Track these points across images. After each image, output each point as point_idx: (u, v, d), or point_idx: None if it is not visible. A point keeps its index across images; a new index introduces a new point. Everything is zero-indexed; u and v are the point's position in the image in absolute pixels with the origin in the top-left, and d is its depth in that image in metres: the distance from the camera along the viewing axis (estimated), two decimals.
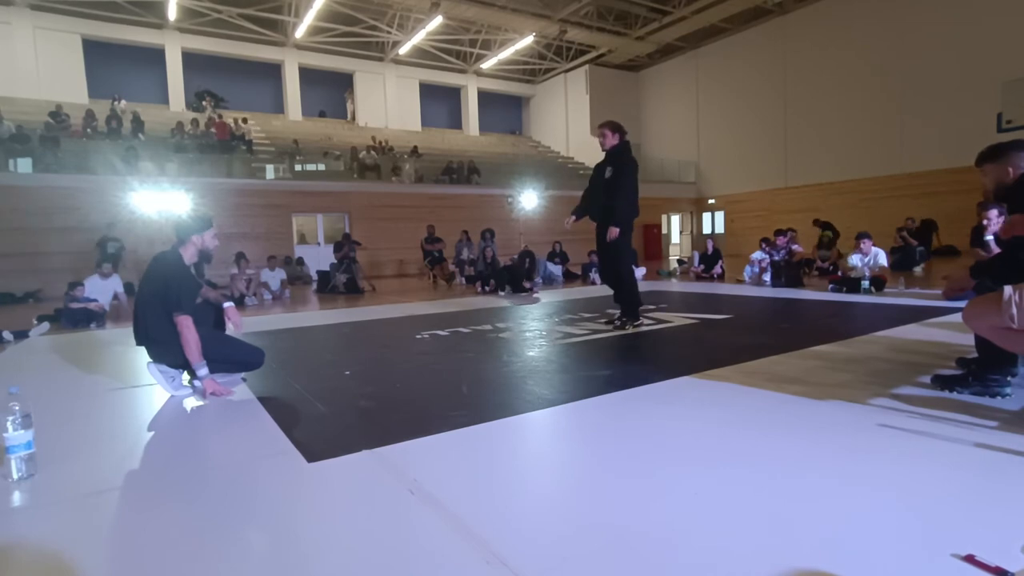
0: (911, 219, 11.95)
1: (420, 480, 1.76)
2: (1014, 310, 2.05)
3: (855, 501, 1.53)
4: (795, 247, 8.49)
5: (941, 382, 2.57)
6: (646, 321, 5.06)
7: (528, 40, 19.84)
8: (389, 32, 19.56)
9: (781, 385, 2.72)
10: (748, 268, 8.85)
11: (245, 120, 16.68)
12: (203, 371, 2.87)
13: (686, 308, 5.91)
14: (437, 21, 17.91)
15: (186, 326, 2.82)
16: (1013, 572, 1.14)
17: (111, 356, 4.40)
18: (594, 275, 9.97)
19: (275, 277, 9.37)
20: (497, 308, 6.65)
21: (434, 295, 8.94)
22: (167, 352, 2.93)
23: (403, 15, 18.80)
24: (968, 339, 2.76)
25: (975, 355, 2.70)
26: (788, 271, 7.99)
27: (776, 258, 8.22)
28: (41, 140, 12.53)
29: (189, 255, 3.04)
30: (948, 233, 12.99)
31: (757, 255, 8.62)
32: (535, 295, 8.19)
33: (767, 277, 8.28)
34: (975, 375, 2.50)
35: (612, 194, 4.41)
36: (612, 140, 4.52)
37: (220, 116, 16.53)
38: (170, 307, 2.84)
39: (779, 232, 8.44)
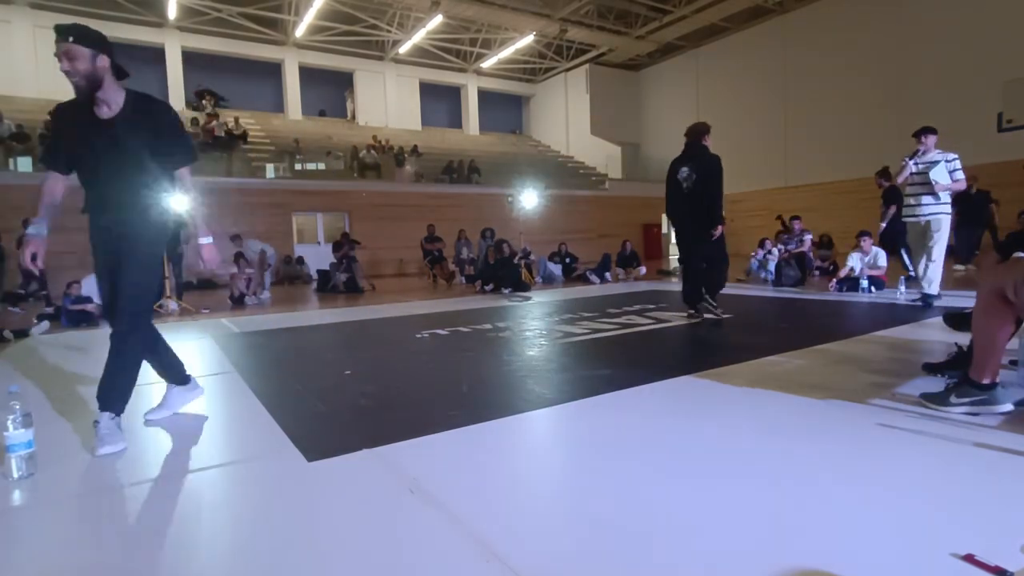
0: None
1: (420, 480, 1.76)
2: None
3: (854, 500, 1.53)
4: (807, 236, 8.56)
5: (931, 369, 2.78)
6: (646, 320, 5.06)
7: (528, 39, 19.81)
8: (389, 31, 19.53)
9: (780, 385, 2.73)
10: (756, 257, 8.98)
11: (237, 120, 16.65)
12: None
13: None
14: (437, 20, 17.89)
15: None
16: (1013, 572, 1.14)
17: None
18: (593, 275, 9.98)
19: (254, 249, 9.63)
20: (497, 307, 6.65)
21: (434, 294, 8.94)
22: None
23: (403, 14, 18.77)
24: (968, 339, 2.76)
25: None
26: (792, 268, 8.01)
27: (791, 248, 8.27)
28: (41, 139, 12.50)
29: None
30: None
31: (770, 247, 8.73)
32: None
33: (769, 273, 8.33)
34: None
35: None
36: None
37: (216, 115, 16.49)
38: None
39: (793, 217, 8.53)
